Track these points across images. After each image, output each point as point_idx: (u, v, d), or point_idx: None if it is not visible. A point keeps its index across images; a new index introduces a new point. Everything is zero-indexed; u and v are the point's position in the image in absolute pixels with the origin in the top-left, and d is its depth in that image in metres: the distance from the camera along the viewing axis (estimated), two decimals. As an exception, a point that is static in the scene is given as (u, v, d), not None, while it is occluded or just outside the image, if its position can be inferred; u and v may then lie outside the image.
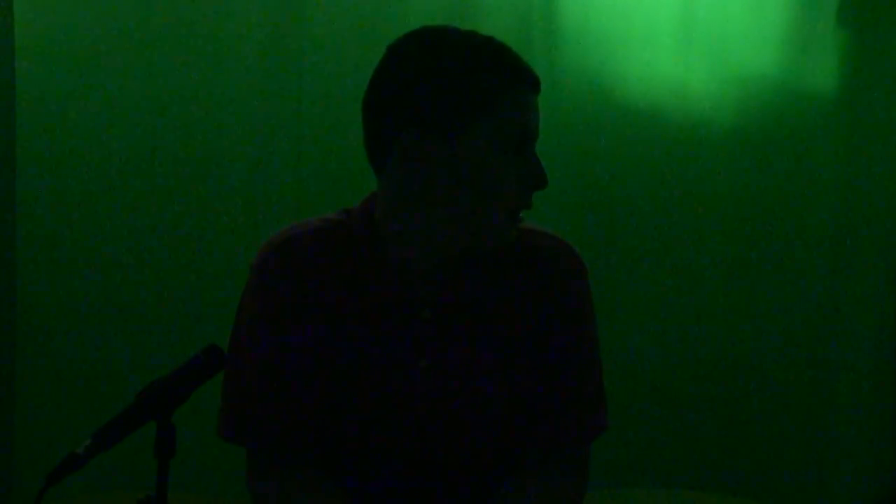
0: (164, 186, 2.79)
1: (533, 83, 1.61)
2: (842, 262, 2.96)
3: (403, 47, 1.63)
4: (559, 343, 1.69)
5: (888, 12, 2.93)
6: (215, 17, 2.79)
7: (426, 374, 1.65)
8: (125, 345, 2.77)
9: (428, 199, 1.61)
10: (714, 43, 2.91)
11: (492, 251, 1.67)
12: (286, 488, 1.66)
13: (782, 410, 2.95)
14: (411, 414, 1.66)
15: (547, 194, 2.87)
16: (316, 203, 2.80)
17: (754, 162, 2.94)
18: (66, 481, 1.34)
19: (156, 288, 2.79)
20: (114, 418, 1.37)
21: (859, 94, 2.94)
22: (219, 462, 2.72)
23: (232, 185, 2.81)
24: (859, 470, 2.96)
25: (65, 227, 2.77)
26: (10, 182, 2.68)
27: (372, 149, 1.64)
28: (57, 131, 2.75)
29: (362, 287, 1.66)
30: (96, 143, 2.77)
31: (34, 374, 2.76)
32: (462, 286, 1.66)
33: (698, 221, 2.94)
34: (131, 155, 2.78)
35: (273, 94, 2.82)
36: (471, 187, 1.59)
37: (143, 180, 2.78)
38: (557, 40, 2.87)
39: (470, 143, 1.58)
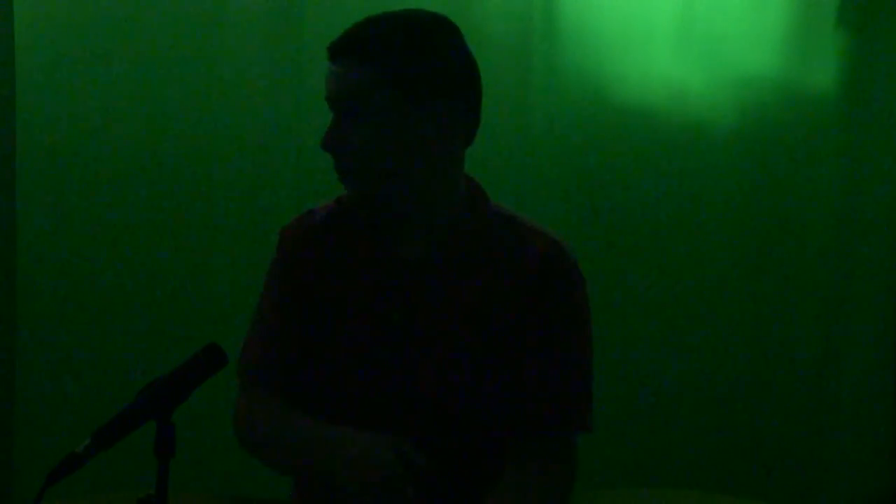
0: (164, 186, 2.79)
1: (333, 52, 1.73)
2: (842, 263, 2.96)
3: None
4: (540, 339, 1.71)
5: (888, 12, 2.93)
6: (215, 17, 2.79)
7: (413, 346, 1.71)
8: (125, 344, 2.77)
9: None
10: (713, 43, 2.91)
11: (484, 244, 1.71)
12: (265, 406, 1.75)
13: (782, 411, 2.95)
14: (395, 377, 1.72)
15: (545, 194, 2.84)
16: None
17: (754, 162, 2.94)
18: (65, 481, 1.34)
19: (156, 287, 2.79)
20: (114, 417, 1.38)
21: (859, 94, 2.94)
22: (219, 462, 2.72)
23: (232, 184, 2.81)
24: (859, 470, 2.96)
25: (65, 226, 2.77)
26: (10, 182, 2.68)
27: None
28: (57, 131, 2.75)
29: (361, 264, 1.74)
30: (96, 143, 2.77)
31: (34, 374, 2.76)
32: (449, 277, 1.71)
33: (697, 222, 2.93)
34: (131, 154, 2.78)
35: (273, 94, 2.82)
36: None
37: (143, 180, 2.79)
38: (557, 40, 2.87)
39: None
